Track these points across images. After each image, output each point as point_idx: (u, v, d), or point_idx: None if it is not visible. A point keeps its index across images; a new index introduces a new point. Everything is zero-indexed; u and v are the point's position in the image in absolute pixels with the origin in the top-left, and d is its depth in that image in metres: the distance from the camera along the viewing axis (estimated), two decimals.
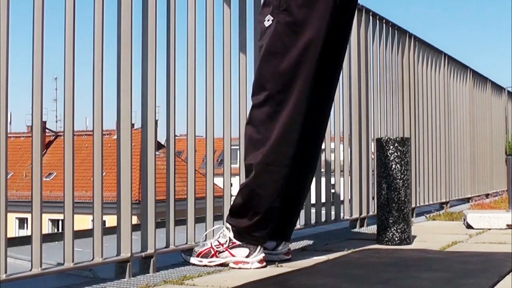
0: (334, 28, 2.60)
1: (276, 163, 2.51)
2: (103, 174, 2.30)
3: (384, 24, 4.60)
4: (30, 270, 2.00)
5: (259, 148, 2.52)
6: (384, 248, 3.12)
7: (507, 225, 4.00)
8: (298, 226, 3.29)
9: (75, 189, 2.16)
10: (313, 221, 3.60)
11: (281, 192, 2.54)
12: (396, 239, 3.21)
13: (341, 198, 3.95)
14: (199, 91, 2.73)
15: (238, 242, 2.54)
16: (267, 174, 2.51)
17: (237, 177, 2.94)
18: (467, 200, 6.42)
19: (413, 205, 4.74)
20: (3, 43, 1.93)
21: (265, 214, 2.53)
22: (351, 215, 4.02)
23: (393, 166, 3.23)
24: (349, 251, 2.95)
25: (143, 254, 2.40)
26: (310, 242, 3.31)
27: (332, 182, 3.86)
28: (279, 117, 2.51)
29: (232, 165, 2.93)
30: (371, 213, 4.16)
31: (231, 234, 2.56)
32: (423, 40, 5.38)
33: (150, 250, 2.42)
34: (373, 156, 4.03)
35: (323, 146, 3.71)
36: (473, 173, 6.72)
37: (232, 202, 2.68)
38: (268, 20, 2.55)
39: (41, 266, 2.02)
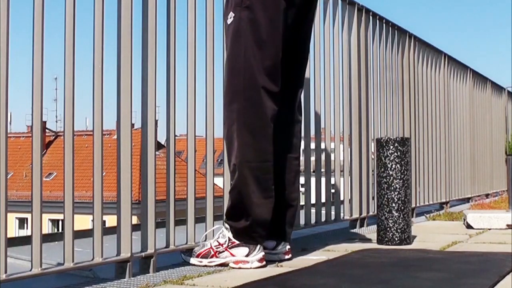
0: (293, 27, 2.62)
1: (256, 159, 2.51)
2: (103, 174, 2.30)
3: (384, 24, 4.60)
4: (30, 270, 2.00)
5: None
6: (384, 248, 3.12)
7: (507, 225, 4.00)
8: (298, 226, 3.29)
9: (75, 189, 2.15)
10: (313, 221, 3.59)
11: (268, 189, 2.54)
12: (396, 239, 3.21)
13: (341, 198, 3.95)
14: (199, 91, 2.74)
15: (237, 242, 2.54)
16: (249, 171, 2.51)
17: None
18: (467, 200, 6.42)
19: (413, 205, 4.74)
20: (3, 43, 1.93)
21: (258, 213, 2.52)
22: (351, 215, 4.01)
23: (393, 166, 3.23)
24: (349, 251, 2.95)
25: (143, 254, 2.40)
26: (310, 242, 3.31)
27: (332, 182, 3.86)
28: None
29: None
30: (371, 213, 4.16)
31: (230, 234, 2.56)
32: (423, 40, 5.38)
33: (150, 250, 2.42)
34: (373, 156, 4.03)
35: (322, 146, 3.72)
36: (473, 173, 6.72)
37: None
38: (230, 18, 2.55)
39: (41, 266, 2.02)
